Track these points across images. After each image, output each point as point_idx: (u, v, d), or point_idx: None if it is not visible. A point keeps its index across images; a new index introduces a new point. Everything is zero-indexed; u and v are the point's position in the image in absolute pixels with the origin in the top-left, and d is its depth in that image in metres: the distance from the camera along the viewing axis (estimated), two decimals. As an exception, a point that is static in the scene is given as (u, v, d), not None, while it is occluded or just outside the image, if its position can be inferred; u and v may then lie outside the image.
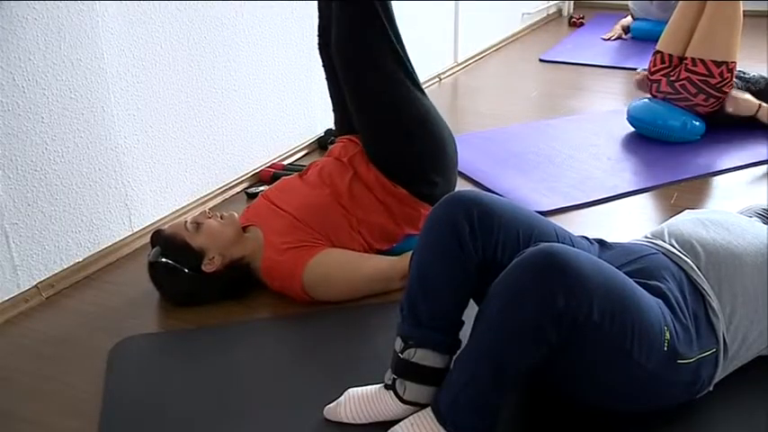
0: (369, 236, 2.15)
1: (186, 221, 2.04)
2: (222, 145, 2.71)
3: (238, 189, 2.79)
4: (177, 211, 2.55)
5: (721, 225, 1.71)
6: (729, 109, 3.16)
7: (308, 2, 2.91)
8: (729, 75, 3.08)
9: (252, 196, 2.74)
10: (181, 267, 1.99)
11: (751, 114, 3.18)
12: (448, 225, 1.55)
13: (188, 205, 2.59)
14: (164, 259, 1.99)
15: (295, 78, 3.03)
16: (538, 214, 1.68)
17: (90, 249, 2.26)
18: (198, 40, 2.50)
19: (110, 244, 2.32)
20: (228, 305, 2.05)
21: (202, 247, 2.00)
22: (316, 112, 3.16)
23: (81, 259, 2.23)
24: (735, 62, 3.09)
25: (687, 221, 1.73)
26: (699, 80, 3.09)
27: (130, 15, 2.23)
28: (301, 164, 3.01)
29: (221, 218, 2.07)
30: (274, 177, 2.83)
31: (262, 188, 2.76)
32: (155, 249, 2.02)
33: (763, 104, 3.18)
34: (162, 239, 2.03)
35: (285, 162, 3.01)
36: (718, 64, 3.05)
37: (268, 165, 2.93)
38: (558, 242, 1.60)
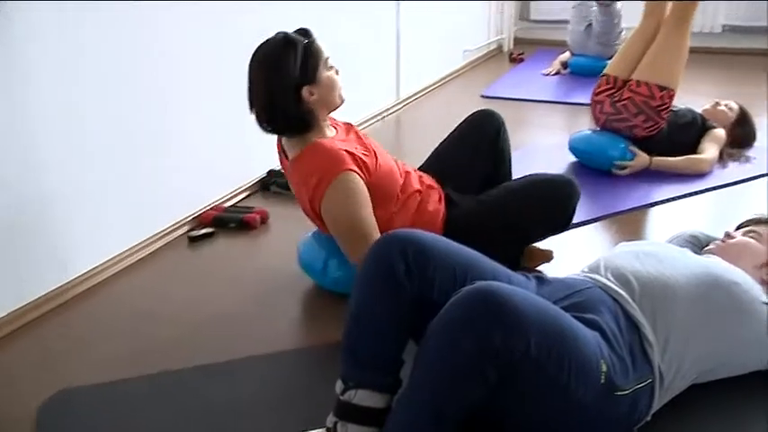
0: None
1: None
2: (160, 188, 2.67)
3: (179, 233, 2.75)
4: (114, 258, 2.49)
5: (655, 257, 1.74)
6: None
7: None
8: (669, 101, 3.18)
9: (194, 240, 2.70)
10: (298, 51, 1.98)
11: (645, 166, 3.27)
12: (383, 265, 1.56)
13: (126, 251, 2.54)
14: (298, 36, 2.00)
15: (233, 118, 3.00)
16: (475, 251, 1.69)
17: (23, 300, 2.19)
18: (131, 81, 2.48)
19: (42, 294, 2.25)
20: (171, 349, 2.00)
21: (321, 78, 2.03)
22: (257, 153, 3.14)
23: (9, 312, 2.16)
24: (675, 91, 3.18)
25: (622, 254, 1.77)
26: (641, 101, 3.17)
27: (59, 59, 2.20)
28: (244, 206, 2.99)
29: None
30: (216, 220, 2.80)
31: (203, 231, 2.72)
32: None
33: (655, 158, 3.26)
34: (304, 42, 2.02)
35: (227, 204, 2.98)
36: (661, 88, 3.15)
37: (209, 207, 2.89)
38: (495, 278, 1.61)
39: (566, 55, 5.18)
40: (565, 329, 1.43)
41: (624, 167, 3.21)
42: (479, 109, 2.52)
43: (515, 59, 5.52)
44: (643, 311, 1.61)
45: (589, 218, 2.80)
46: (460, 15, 5.17)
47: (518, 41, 5.97)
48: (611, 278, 1.68)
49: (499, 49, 5.85)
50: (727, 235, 1.95)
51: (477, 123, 2.47)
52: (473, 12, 5.43)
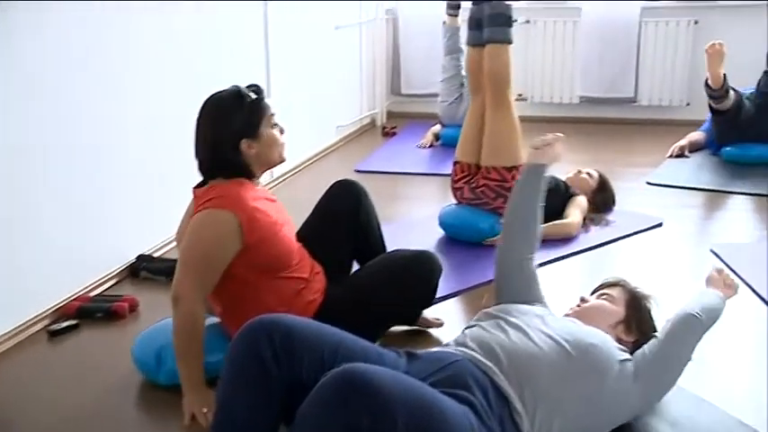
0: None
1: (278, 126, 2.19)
2: (17, 279, 2.52)
3: (38, 327, 2.59)
4: (-34, 358, 2.32)
5: (519, 327, 1.80)
6: None
7: (107, 117, 2.84)
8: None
9: (55, 334, 2.55)
10: (244, 105, 2.09)
11: None
12: (250, 353, 1.57)
13: (-21, 351, 2.36)
14: (247, 92, 2.10)
15: (101, 199, 2.90)
16: (343, 331, 1.70)
17: None
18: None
19: None
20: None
21: (262, 134, 2.13)
22: (126, 237, 3.04)
23: None
24: (522, 165, 3.30)
25: (487, 325, 1.82)
26: (496, 185, 3.28)
27: None
28: (111, 294, 2.86)
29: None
30: (80, 311, 2.66)
31: (66, 324, 2.58)
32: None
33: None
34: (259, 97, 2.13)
35: (93, 293, 2.85)
36: (509, 169, 3.26)
37: (73, 298, 2.75)
38: (365, 359, 1.62)
39: (437, 127, 5.34)
40: (433, 407, 1.44)
41: (494, 242, 3.28)
42: (338, 180, 2.54)
43: (388, 133, 5.64)
44: (510, 383, 1.64)
45: (461, 288, 2.84)
46: (332, 91, 5.26)
47: (390, 115, 6.12)
48: (479, 350, 1.71)
49: (372, 123, 5.98)
50: (582, 299, 2.06)
51: (335, 195, 2.49)
52: (345, 87, 5.54)
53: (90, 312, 2.67)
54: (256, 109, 2.13)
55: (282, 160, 2.24)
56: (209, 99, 2.15)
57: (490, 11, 3.27)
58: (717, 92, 4.45)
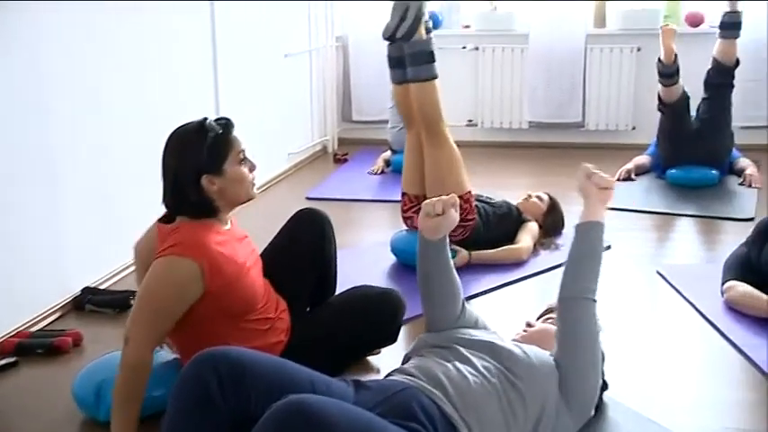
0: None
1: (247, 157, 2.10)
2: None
3: (-26, 366, 2.50)
4: None
5: (464, 355, 1.81)
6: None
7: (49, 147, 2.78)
8: (469, 203, 3.32)
9: (-7, 371, 2.46)
10: (207, 140, 2.01)
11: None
12: (196, 385, 1.56)
13: None
14: (213, 123, 2.04)
15: (44, 229, 2.83)
16: (291, 362, 1.70)
17: None
18: None
19: None
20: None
21: (226, 170, 2.04)
22: (70, 269, 2.96)
23: None
24: (469, 191, 3.33)
25: (432, 353, 1.82)
26: None
27: None
28: (54, 329, 2.78)
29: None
30: (20, 347, 2.58)
31: (3, 362, 2.49)
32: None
33: (474, 252, 3.38)
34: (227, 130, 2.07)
35: (34, 329, 2.76)
36: None
37: (12, 334, 2.66)
38: (313, 389, 1.62)
39: (387, 153, 5.35)
40: (380, 437, 1.42)
41: None
42: (303, 209, 2.49)
43: (339, 160, 5.64)
44: (457, 410, 1.64)
45: (411, 315, 2.82)
46: (283, 118, 5.25)
47: (342, 142, 6.12)
48: (425, 379, 1.71)
49: (324, 150, 5.97)
50: (528, 324, 2.08)
51: (301, 224, 2.44)
52: (296, 114, 5.53)
53: (30, 348, 2.59)
54: (220, 144, 2.05)
55: (251, 198, 2.16)
56: (173, 132, 2.09)
57: (410, 50, 3.21)
58: (668, 68, 4.60)
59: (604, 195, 1.94)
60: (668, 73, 4.62)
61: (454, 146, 3.32)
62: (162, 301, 1.99)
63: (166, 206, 2.10)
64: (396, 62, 3.31)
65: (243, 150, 2.10)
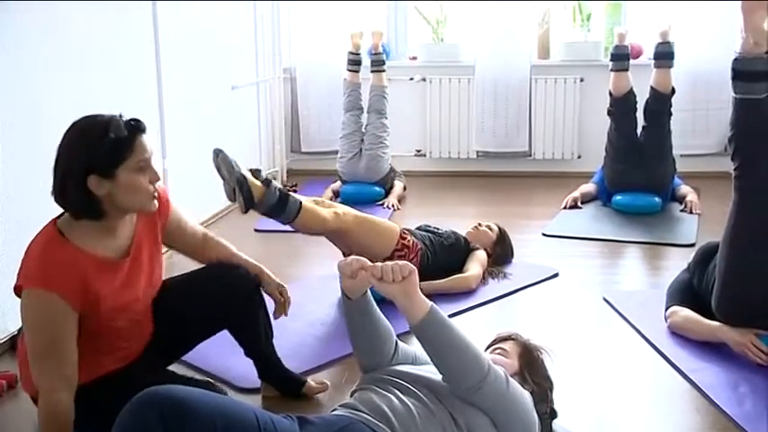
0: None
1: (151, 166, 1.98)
2: None
3: None
4: None
5: (408, 389, 1.80)
6: None
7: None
8: (402, 250, 3.30)
9: None
10: (106, 139, 1.88)
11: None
12: (139, 429, 1.53)
13: None
14: (122, 123, 1.92)
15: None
16: (235, 400, 1.71)
17: None
18: None
19: None
20: None
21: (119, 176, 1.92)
22: (4, 307, 2.87)
23: None
24: (399, 233, 3.33)
25: (377, 389, 1.82)
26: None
27: None
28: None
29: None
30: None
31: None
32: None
33: (422, 283, 3.37)
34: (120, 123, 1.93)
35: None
36: (388, 255, 3.23)
37: (-56, 377, 2.56)
38: (258, 427, 1.60)
39: (337, 184, 5.35)
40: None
41: None
42: (230, 268, 2.33)
43: (289, 191, 5.59)
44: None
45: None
46: (231, 149, 5.18)
47: (291, 173, 6.09)
48: (370, 413, 1.70)
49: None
50: None
51: (229, 292, 2.28)
52: (244, 146, 5.50)
53: (-36, 391, 2.49)
54: (120, 147, 1.91)
55: (146, 210, 2.02)
56: (78, 120, 1.96)
57: (264, 209, 3.04)
58: (620, 49, 4.84)
59: (407, 285, 1.76)
60: (620, 54, 4.82)
61: (355, 217, 3.25)
62: (46, 340, 1.89)
63: (54, 198, 1.97)
64: (273, 212, 3.09)
65: (146, 158, 1.96)
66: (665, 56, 4.75)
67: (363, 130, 5.32)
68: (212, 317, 2.30)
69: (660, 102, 4.73)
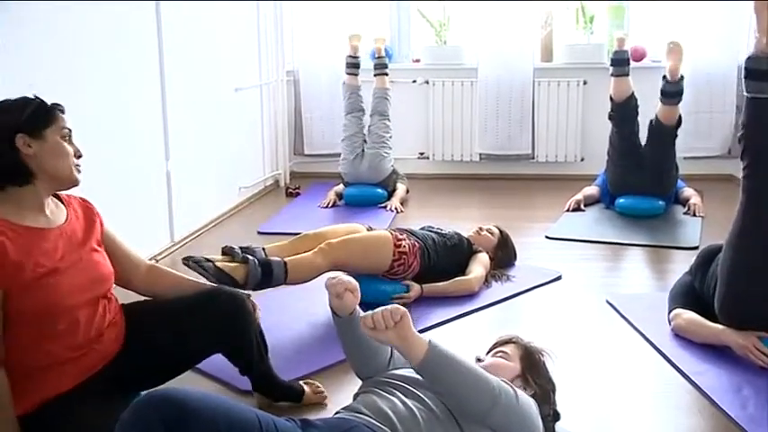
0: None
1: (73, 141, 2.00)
2: None
3: None
4: None
5: (412, 392, 1.80)
6: None
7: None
8: (399, 258, 3.30)
9: None
10: (30, 104, 1.94)
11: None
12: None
13: None
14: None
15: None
16: (238, 403, 1.68)
17: None
18: None
19: None
20: None
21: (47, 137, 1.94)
22: None
23: None
24: (393, 240, 3.32)
25: (380, 392, 1.81)
26: (388, 277, 3.33)
27: None
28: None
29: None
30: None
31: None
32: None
33: (425, 286, 3.39)
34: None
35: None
36: (387, 269, 3.28)
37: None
38: (261, 428, 1.60)
39: (340, 186, 5.35)
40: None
41: (402, 298, 3.28)
42: (220, 291, 2.28)
43: (292, 193, 5.61)
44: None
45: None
46: (235, 152, 5.22)
47: (294, 175, 6.10)
48: (373, 416, 1.70)
49: (276, 183, 5.94)
50: (478, 359, 2.07)
51: (217, 318, 2.18)
52: (247, 148, 5.51)
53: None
54: (44, 111, 1.96)
55: (72, 181, 2.01)
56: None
57: (251, 286, 2.94)
58: (620, 54, 4.78)
59: (401, 329, 1.71)
60: (620, 59, 4.75)
61: (343, 243, 3.22)
62: None
63: None
64: (262, 284, 3.01)
65: (69, 130, 2.00)
66: (673, 94, 4.61)
67: (365, 131, 5.34)
68: (202, 349, 2.23)
69: (665, 133, 4.66)
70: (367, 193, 5.19)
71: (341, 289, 1.88)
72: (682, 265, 3.46)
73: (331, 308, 1.97)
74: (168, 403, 1.53)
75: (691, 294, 2.94)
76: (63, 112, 2.01)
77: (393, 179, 5.31)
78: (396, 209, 5.00)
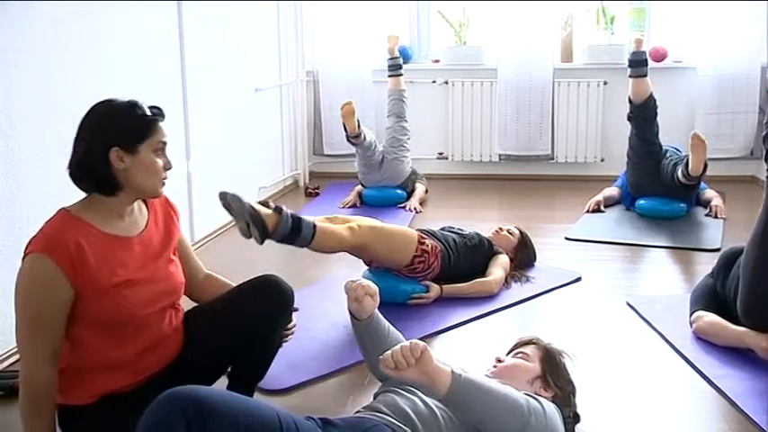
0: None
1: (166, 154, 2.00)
2: None
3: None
4: None
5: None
6: None
7: None
8: (421, 255, 3.30)
9: None
10: (132, 115, 1.93)
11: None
12: (162, 428, 1.52)
13: None
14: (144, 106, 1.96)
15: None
16: (258, 401, 1.69)
17: None
18: None
19: None
20: None
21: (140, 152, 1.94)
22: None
23: None
24: (417, 238, 3.32)
25: (400, 391, 1.82)
26: (407, 271, 3.33)
27: None
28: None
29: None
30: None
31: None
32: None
33: (445, 286, 3.38)
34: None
35: (-4, 368, 2.70)
36: (409, 262, 3.29)
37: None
38: (281, 427, 1.61)
39: (359, 187, 5.36)
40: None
41: (421, 298, 3.29)
42: (265, 278, 2.26)
43: (311, 193, 5.63)
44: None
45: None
46: (254, 152, 5.24)
47: (313, 175, 6.12)
48: (393, 416, 1.71)
49: (295, 183, 5.96)
50: (498, 360, 2.07)
51: (261, 310, 2.19)
52: (267, 148, 5.53)
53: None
54: (144, 124, 1.94)
55: (157, 195, 2.03)
56: (100, 101, 1.98)
57: (278, 237, 2.93)
58: (638, 54, 4.70)
59: (423, 365, 1.66)
60: (638, 60, 4.69)
61: (371, 229, 3.20)
62: (33, 307, 1.85)
63: (70, 175, 1.96)
64: (288, 239, 2.99)
65: (165, 142, 1.99)
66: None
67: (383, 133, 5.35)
68: (247, 328, 2.18)
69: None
70: (386, 194, 5.20)
71: (360, 293, 1.90)
72: (703, 267, 3.44)
73: (349, 311, 1.97)
74: (189, 400, 1.54)
75: (712, 297, 2.92)
76: (163, 117, 1.99)
77: (412, 179, 5.32)
78: (415, 209, 5.00)
